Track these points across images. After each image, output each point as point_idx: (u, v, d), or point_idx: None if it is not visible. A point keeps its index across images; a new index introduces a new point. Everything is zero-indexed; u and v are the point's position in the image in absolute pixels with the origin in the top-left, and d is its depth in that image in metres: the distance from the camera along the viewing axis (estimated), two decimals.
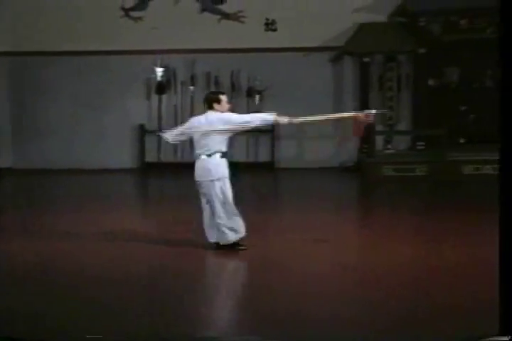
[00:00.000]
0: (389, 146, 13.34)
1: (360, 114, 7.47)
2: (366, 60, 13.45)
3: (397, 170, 12.31)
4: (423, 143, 13.20)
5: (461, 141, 13.35)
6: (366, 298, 5.62)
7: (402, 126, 13.80)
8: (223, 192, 7.09)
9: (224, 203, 7.08)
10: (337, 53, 13.89)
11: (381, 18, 13.74)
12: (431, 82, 13.52)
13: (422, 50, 13.07)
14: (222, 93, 7.52)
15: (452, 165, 12.32)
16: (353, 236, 8.31)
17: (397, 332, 4.80)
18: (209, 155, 7.12)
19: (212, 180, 7.09)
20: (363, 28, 13.61)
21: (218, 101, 7.24)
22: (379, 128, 13.33)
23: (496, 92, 14.57)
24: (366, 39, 13.44)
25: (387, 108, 13.66)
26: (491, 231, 7.99)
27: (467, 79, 13.60)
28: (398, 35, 13.32)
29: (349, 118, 7.78)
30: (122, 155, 14.40)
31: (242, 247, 7.16)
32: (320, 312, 5.23)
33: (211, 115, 7.22)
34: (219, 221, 7.08)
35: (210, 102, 7.28)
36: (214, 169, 7.11)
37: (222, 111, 7.22)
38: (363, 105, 13.53)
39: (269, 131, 14.20)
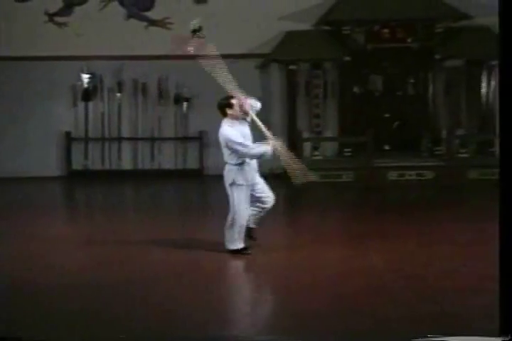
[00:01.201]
0: (316, 153, 13.50)
1: None
2: (293, 67, 13.59)
3: (324, 176, 12.46)
4: (349, 150, 13.42)
5: (386, 147, 13.64)
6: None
7: (329, 132, 13.99)
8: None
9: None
10: (264, 60, 14.00)
11: (307, 26, 13.91)
12: (356, 90, 13.77)
13: (346, 58, 13.28)
14: (232, 97, 7.37)
15: (377, 171, 12.56)
16: (282, 240, 8.33)
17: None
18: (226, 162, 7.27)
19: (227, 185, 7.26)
20: (289, 36, 13.75)
21: (230, 106, 7.19)
22: (306, 135, 13.48)
23: (417, 100, 14.92)
24: (292, 47, 13.58)
25: (314, 115, 13.85)
26: (414, 232, 8.21)
27: (390, 87, 13.91)
28: (324, 43, 13.50)
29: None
30: (48, 163, 14.18)
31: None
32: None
33: (222, 126, 7.24)
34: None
35: (222, 109, 7.29)
36: (225, 175, 7.27)
37: (237, 116, 7.16)
38: (290, 112, 13.70)
39: (196, 138, 14.22)
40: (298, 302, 5.80)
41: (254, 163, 7.30)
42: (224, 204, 11.46)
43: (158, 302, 5.73)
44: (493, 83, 13.43)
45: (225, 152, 7.23)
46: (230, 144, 7.10)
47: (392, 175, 12.56)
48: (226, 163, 7.26)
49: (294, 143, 13.28)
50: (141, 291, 6.03)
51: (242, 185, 7.19)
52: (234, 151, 7.11)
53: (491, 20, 13.47)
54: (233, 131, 7.14)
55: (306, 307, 5.60)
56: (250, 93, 13.93)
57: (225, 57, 13.93)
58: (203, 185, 13.72)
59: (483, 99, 13.53)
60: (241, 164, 7.19)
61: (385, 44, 13.33)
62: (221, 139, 7.24)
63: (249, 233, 7.42)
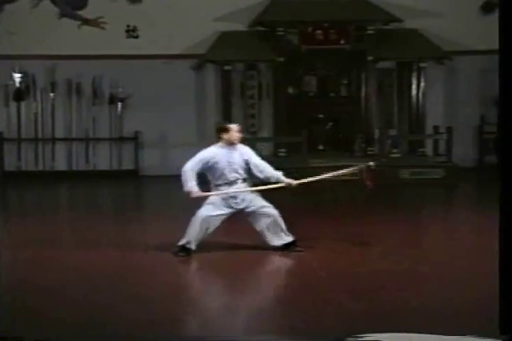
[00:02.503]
0: None
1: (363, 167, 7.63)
2: (227, 68, 13.64)
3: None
4: (284, 150, 13.56)
5: (320, 147, 13.83)
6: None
7: (264, 133, 14.11)
8: None
9: None
10: (199, 61, 14.02)
11: (241, 27, 14.00)
12: (290, 91, 13.92)
13: (280, 59, 13.41)
14: (230, 122, 7.72)
15: (312, 171, 12.67)
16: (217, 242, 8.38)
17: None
18: None
19: None
20: (223, 37, 13.81)
21: (227, 131, 7.35)
22: (241, 135, 13.54)
23: (351, 101, 15.12)
24: (227, 47, 13.64)
25: (249, 116, 13.96)
26: (346, 232, 8.34)
27: (324, 88, 14.12)
28: (258, 44, 13.61)
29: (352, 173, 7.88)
30: None
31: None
32: None
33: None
34: None
35: (218, 133, 7.42)
36: None
37: (231, 142, 7.30)
38: (226, 113, 13.76)
39: (132, 138, 14.16)
40: (236, 301, 5.86)
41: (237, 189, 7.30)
42: (159, 203, 11.58)
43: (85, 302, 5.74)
44: (422, 85, 13.76)
45: None
46: None
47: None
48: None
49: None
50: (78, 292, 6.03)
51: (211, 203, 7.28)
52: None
53: (419, 23, 13.88)
54: (205, 152, 7.36)
55: (241, 305, 5.67)
56: (185, 93, 14.13)
57: (160, 57, 14.15)
58: (138, 185, 13.67)
59: (414, 100, 13.85)
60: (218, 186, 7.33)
61: (318, 45, 13.49)
62: None
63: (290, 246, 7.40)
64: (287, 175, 7.62)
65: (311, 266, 6.97)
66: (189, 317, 5.51)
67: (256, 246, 7.56)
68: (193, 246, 7.27)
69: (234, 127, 7.41)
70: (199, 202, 7.37)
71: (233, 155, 7.33)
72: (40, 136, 14.19)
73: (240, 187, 7.31)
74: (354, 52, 13.55)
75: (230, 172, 7.27)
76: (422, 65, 13.66)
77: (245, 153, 7.42)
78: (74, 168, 14.21)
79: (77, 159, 14.25)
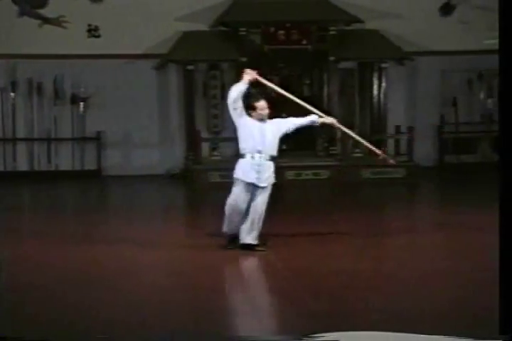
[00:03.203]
0: (215, 153, 13.62)
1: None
2: (190, 67, 13.64)
3: (224, 176, 12.54)
4: None
5: (284, 147, 13.85)
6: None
7: (228, 132, 14.09)
8: None
9: None
10: (161, 61, 14.00)
11: (203, 27, 14.00)
12: (253, 91, 13.91)
13: (243, 59, 13.43)
14: (258, 98, 7.63)
15: (275, 170, 12.75)
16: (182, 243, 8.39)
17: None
18: None
19: None
20: (186, 37, 13.80)
21: (254, 109, 7.44)
22: (205, 135, 13.58)
23: (313, 100, 15.24)
24: (189, 47, 13.64)
25: (212, 116, 13.97)
26: (309, 231, 8.41)
27: (287, 88, 14.12)
28: (221, 44, 13.63)
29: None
30: None
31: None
32: None
33: None
34: None
35: (247, 110, 7.47)
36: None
37: (258, 118, 7.42)
38: (188, 112, 13.76)
39: (94, 138, 14.08)
40: (195, 301, 5.88)
41: (262, 163, 7.39)
42: (122, 203, 11.55)
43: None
44: (383, 85, 13.91)
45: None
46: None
47: (290, 175, 12.79)
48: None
49: (192, 144, 13.39)
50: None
51: (237, 179, 7.36)
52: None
53: (380, 24, 14.03)
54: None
55: (202, 306, 5.69)
56: (147, 93, 14.09)
57: (121, 57, 14.09)
58: (101, 185, 13.59)
59: (375, 100, 13.99)
60: (242, 156, 7.40)
61: (280, 45, 13.55)
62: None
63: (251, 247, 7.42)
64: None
65: (276, 266, 7.02)
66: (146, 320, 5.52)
67: (218, 245, 7.59)
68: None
69: (261, 104, 7.47)
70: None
71: (265, 129, 7.43)
72: (1, 136, 14.04)
73: (267, 165, 7.41)
74: (316, 52, 13.64)
75: (260, 143, 7.34)
76: (383, 65, 13.81)
77: (274, 123, 7.54)
78: (36, 168, 14.08)
79: (39, 159, 14.12)
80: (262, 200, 7.38)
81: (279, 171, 12.63)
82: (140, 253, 7.55)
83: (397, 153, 13.67)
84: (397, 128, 13.77)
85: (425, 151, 14.16)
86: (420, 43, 14.20)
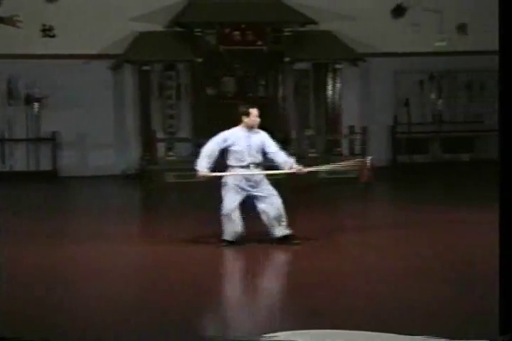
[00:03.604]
0: (171, 153, 13.64)
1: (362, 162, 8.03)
2: (146, 68, 13.64)
3: (179, 176, 12.62)
4: None
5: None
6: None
7: (183, 133, 14.17)
8: None
9: None
10: (116, 61, 13.97)
11: (159, 27, 14.02)
12: (209, 91, 14.02)
13: (199, 60, 13.49)
14: (252, 106, 7.74)
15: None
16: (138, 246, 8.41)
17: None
18: None
19: None
20: (141, 37, 13.80)
21: (247, 115, 7.56)
22: (160, 135, 13.60)
23: (268, 101, 15.26)
24: (145, 48, 13.63)
25: (168, 116, 13.99)
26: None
27: (242, 89, 14.28)
28: (176, 44, 13.65)
29: (353, 166, 8.33)
30: None
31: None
32: None
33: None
34: None
35: (239, 116, 7.59)
36: None
37: (251, 125, 7.56)
38: (144, 113, 13.76)
39: (49, 138, 13.99)
40: (129, 298, 5.96)
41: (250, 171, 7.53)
42: (76, 204, 11.49)
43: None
44: (338, 85, 14.09)
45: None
46: None
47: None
48: None
49: (148, 144, 13.39)
50: None
51: (226, 183, 7.54)
52: None
53: (334, 25, 14.20)
54: (226, 133, 7.60)
55: (133, 301, 5.74)
56: (103, 94, 14.03)
57: (77, 57, 14.00)
58: (56, 186, 13.49)
59: (330, 100, 14.16)
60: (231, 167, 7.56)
61: (236, 46, 13.64)
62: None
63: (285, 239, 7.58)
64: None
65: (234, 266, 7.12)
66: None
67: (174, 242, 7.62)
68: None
69: (254, 111, 7.60)
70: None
71: (252, 139, 7.55)
72: None
73: (254, 171, 7.51)
74: (271, 53, 13.76)
75: (247, 155, 7.48)
76: (337, 66, 13.99)
77: (263, 137, 7.64)
78: None
79: None
80: (273, 198, 7.55)
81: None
82: (100, 252, 7.58)
83: (351, 153, 13.86)
84: (351, 128, 13.95)
85: (379, 151, 14.36)
86: (373, 45, 14.41)
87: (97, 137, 14.00)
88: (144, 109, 13.71)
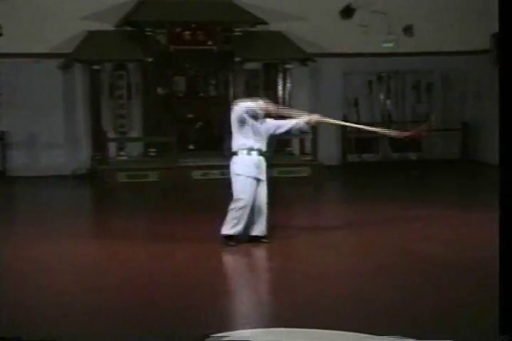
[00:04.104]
0: (122, 153, 13.60)
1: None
2: (96, 67, 13.56)
3: (131, 176, 12.59)
4: (155, 150, 13.65)
5: (191, 147, 14.01)
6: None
7: (135, 133, 14.13)
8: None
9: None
10: (66, 60, 13.86)
11: (109, 26, 13.95)
12: (160, 91, 14.01)
13: (149, 59, 13.47)
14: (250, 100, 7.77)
15: (182, 170, 12.88)
16: (90, 245, 8.35)
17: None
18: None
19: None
20: (91, 36, 13.71)
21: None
22: (111, 135, 13.55)
23: (219, 101, 15.29)
24: (95, 47, 13.55)
25: (119, 116, 13.94)
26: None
27: (193, 88, 14.31)
28: (127, 43, 13.60)
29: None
30: None
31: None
32: None
33: None
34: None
35: None
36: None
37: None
38: (95, 112, 13.68)
39: None
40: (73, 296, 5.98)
41: (256, 158, 7.67)
42: (28, 205, 11.39)
43: None
44: (288, 85, 14.21)
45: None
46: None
47: (196, 174, 12.92)
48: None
49: (99, 144, 13.32)
50: None
51: (239, 175, 7.60)
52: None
53: (284, 25, 14.32)
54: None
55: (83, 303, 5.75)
56: (53, 93, 13.92)
57: (26, 56, 13.84)
58: (5, 186, 13.32)
59: (280, 100, 14.26)
60: (237, 154, 7.67)
61: (186, 46, 13.64)
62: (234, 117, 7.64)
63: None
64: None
65: (185, 265, 7.12)
66: None
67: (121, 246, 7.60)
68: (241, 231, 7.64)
69: (259, 104, 7.65)
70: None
71: (258, 127, 7.69)
72: None
73: (260, 159, 7.69)
74: (222, 53, 13.81)
75: (254, 140, 7.63)
76: (287, 66, 14.12)
77: (265, 123, 7.74)
78: None
79: None
80: (264, 193, 7.71)
81: (185, 171, 12.96)
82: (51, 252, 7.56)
83: (302, 153, 14.01)
84: None
85: (329, 150, 14.53)
86: (322, 45, 14.57)
87: (48, 137, 13.87)
88: (95, 109, 13.63)
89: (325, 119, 8.11)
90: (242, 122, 7.57)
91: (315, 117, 7.95)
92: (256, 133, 7.66)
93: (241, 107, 7.55)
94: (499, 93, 3.57)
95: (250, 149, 7.64)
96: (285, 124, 7.85)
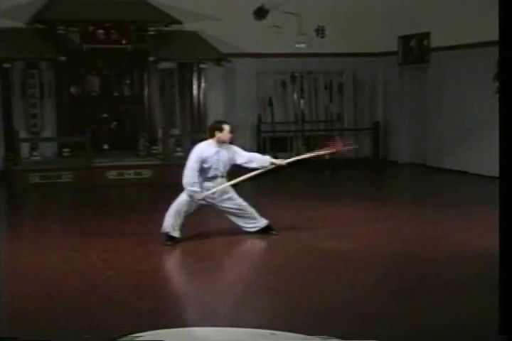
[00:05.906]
0: (35, 153, 13.37)
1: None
2: (6, 66, 13.29)
3: (44, 177, 12.41)
4: (68, 150, 13.48)
5: (105, 147, 13.89)
6: None
7: (48, 132, 13.90)
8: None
9: None
10: None
11: (20, 24, 13.68)
12: (73, 90, 13.84)
13: (62, 58, 13.28)
14: (225, 122, 7.93)
15: (97, 171, 12.77)
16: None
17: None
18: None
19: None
20: (1, 33, 13.40)
21: (220, 130, 7.70)
22: (24, 135, 13.30)
23: (134, 100, 15.25)
24: (5, 45, 13.28)
25: (31, 115, 13.69)
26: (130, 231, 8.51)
27: (107, 88, 14.19)
28: (38, 42, 13.37)
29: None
30: None
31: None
32: None
33: (201, 143, 7.93)
34: None
35: (212, 131, 7.74)
36: None
37: (224, 140, 7.75)
38: (6, 112, 13.40)
39: None
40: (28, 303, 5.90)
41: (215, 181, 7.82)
42: None
43: None
44: (203, 85, 14.28)
45: None
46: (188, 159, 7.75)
47: (112, 175, 12.83)
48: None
49: (11, 144, 13.06)
50: None
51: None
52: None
53: (199, 25, 14.37)
54: (199, 152, 7.74)
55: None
56: None
57: None
58: None
59: (195, 100, 14.33)
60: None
61: (100, 45, 13.52)
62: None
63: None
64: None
65: (97, 266, 7.09)
66: None
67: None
68: (176, 234, 7.73)
69: (227, 127, 7.78)
70: None
71: (221, 153, 7.79)
72: None
73: (219, 182, 7.79)
74: (136, 52, 13.75)
75: (215, 169, 7.76)
76: (201, 66, 14.17)
77: (231, 149, 7.90)
78: None
79: None
80: (235, 201, 8.00)
81: (100, 171, 12.84)
82: None
83: None
84: None
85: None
86: (237, 45, 14.68)
87: None
88: (6, 108, 13.35)
89: (289, 160, 8.31)
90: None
91: (283, 162, 8.17)
92: (217, 160, 7.84)
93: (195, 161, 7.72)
94: (499, 93, 3.55)
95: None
96: (254, 160, 7.99)
